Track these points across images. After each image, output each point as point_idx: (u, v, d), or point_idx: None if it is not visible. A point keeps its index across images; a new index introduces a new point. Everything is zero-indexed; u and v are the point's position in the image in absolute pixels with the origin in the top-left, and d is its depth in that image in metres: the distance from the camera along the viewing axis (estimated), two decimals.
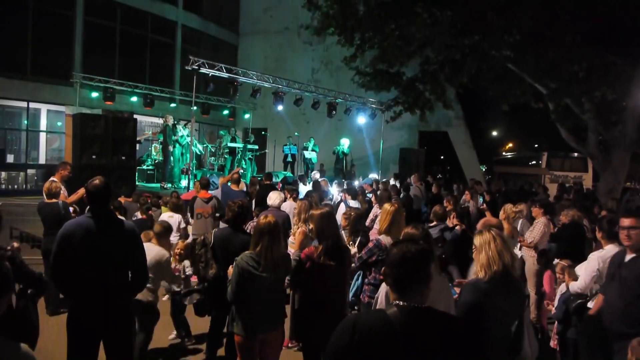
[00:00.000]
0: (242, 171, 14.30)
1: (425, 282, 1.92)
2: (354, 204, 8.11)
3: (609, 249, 4.25)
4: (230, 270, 3.58)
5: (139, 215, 7.47)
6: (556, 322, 4.70)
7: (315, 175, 12.19)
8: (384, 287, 3.16)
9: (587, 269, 4.25)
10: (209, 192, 7.72)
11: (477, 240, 2.99)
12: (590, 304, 4.29)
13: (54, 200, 5.94)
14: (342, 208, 7.72)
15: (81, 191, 6.42)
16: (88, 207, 3.49)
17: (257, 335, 3.52)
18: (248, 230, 4.64)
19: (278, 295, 3.66)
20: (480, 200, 9.55)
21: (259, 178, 10.65)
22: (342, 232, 5.71)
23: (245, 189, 9.28)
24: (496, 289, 2.79)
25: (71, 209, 6.17)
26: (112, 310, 3.34)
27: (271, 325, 3.59)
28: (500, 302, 2.80)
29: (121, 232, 3.44)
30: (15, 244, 3.47)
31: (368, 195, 9.49)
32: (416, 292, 1.89)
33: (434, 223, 5.34)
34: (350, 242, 5.50)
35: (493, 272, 2.81)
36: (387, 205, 4.36)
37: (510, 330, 2.87)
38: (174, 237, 7.30)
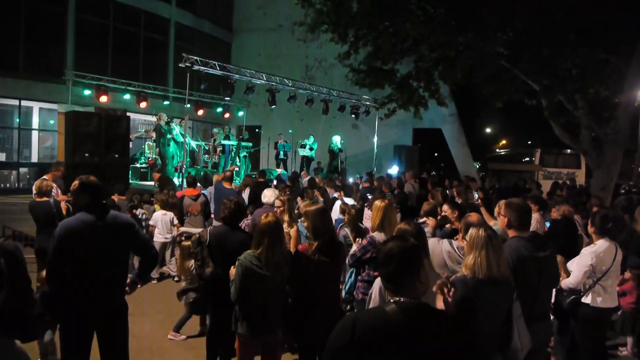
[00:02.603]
0: (236, 169, 14.28)
1: (417, 276, 1.95)
2: (349, 201, 8.10)
3: (601, 244, 4.28)
4: (232, 270, 3.56)
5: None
6: (552, 317, 4.72)
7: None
8: (377, 283, 3.16)
9: (580, 264, 4.27)
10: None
11: (469, 235, 2.98)
12: (584, 299, 4.32)
13: (45, 198, 5.91)
14: (337, 206, 7.69)
15: (62, 197, 6.45)
16: (81, 205, 3.46)
17: (260, 335, 3.51)
18: (242, 227, 4.63)
19: (281, 294, 3.63)
20: (475, 196, 9.58)
21: (253, 176, 10.62)
22: (346, 229, 5.65)
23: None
24: (484, 285, 2.81)
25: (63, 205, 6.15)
26: (108, 306, 3.36)
27: (274, 324, 3.57)
28: (488, 297, 2.82)
29: (120, 225, 3.47)
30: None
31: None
32: (409, 286, 1.92)
33: (424, 219, 5.34)
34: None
35: (478, 276, 2.84)
36: (377, 202, 4.33)
37: (500, 324, 2.89)
38: (167, 235, 7.34)
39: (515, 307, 2.96)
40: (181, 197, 7.69)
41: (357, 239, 4.93)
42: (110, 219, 3.41)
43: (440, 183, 13.31)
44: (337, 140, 17.73)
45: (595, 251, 4.26)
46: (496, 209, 5.57)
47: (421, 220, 5.23)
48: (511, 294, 2.95)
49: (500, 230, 4.11)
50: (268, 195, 6.47)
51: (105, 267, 3.32)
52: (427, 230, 4.94)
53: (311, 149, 17.21)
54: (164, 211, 7.40)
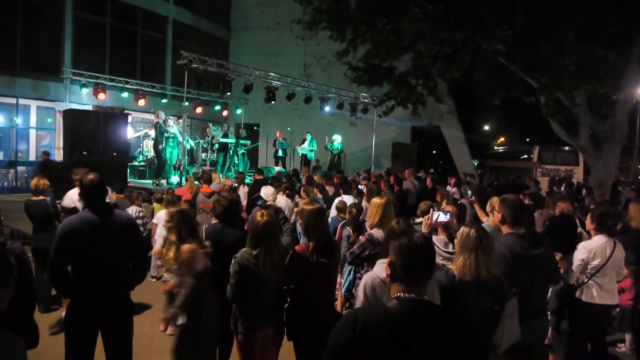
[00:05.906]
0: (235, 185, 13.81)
1: (432, 273, 1.97)
2: (347, 198, 8.08)
3: (596, 240, 4.28)
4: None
5: None
6: (549, 314, 4.73)
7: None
8: (362, 282, 3.02)
9: (574, 259, 4.27)
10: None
11: (460, 234, 2.98)
12: (578, 294, 4.32)
13: (41, 197, 5.88)
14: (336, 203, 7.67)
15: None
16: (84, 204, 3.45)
17: (259, 332, 3.50)
18: None
19: (278, 292, 3.62)
20: (469, 193, 9.54)
21: (250, 174, 10.61)
22: (349, 227, 5.61)
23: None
24: (469, 287, 2.87)
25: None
26: (113, 304, 3.34)
27: (272, 321, 3.56)
28: (472, 298, 2.87)
29: (121, 223, 3.45)
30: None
31: (360, 187, 9.42)
32: (423, 283, 1.90)
33: (420, 219, 5.30)
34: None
35: (465, 278, 2.87)
36: (376, 199, 4.26)
37: (484, 322, 2.91)
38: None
39: (509, 305, 2.96)
40: (196, 192, 7.67)
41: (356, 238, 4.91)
42: (113, 217, 3.40)
43: (441, 181, 13.30)
44: (337, 138, 17.76)
45: (588, 246, 4.26)
46: (488, 206, 5.58)
47: (418, 220, 5.20)
48: (499, 296, 2.95)
49: (492, 227, 4.11)
50: (266, 193, 6.47)
51: (109, 265, 3.30)
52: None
53: (312, 151, 17.17)
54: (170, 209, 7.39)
